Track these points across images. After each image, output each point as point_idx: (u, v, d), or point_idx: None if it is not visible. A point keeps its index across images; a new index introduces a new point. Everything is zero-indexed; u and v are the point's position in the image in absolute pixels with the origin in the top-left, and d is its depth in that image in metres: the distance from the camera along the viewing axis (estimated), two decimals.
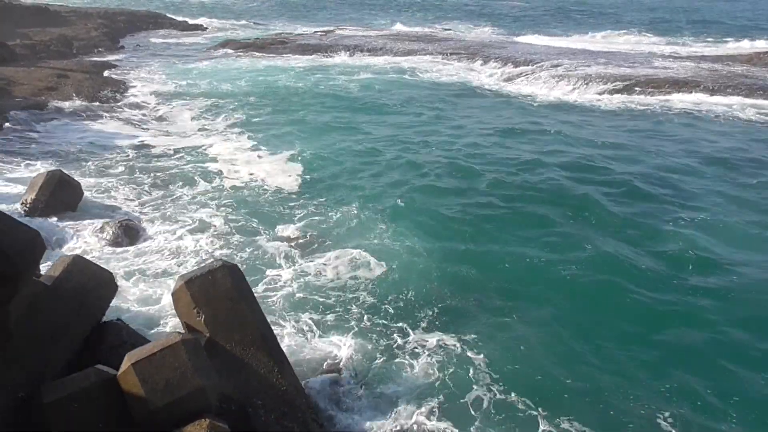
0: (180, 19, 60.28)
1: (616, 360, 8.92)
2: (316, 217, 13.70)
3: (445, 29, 55.94)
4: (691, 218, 13.80)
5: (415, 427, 7.66)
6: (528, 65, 33.47)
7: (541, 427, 7.64)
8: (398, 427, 7.63)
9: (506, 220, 13.65)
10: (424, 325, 9.66)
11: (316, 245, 12.29)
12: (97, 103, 22.73)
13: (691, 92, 27.37)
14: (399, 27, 58.90)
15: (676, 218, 13.77)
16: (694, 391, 8.28)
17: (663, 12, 79.65)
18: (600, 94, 27.80)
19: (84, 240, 11.80)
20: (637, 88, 28.07)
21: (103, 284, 7.32)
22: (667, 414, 7.87)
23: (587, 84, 29.01)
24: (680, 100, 26.65)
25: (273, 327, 7.88)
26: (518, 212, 14.11)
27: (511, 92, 28.71)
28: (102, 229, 11.94)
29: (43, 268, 8.38)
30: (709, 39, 49.91)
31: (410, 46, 41.95)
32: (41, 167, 15.44)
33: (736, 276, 11.27)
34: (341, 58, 38.03)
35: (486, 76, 32.52)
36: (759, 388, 8.40)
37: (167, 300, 9.42)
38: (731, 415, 7.89)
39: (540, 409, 7.88)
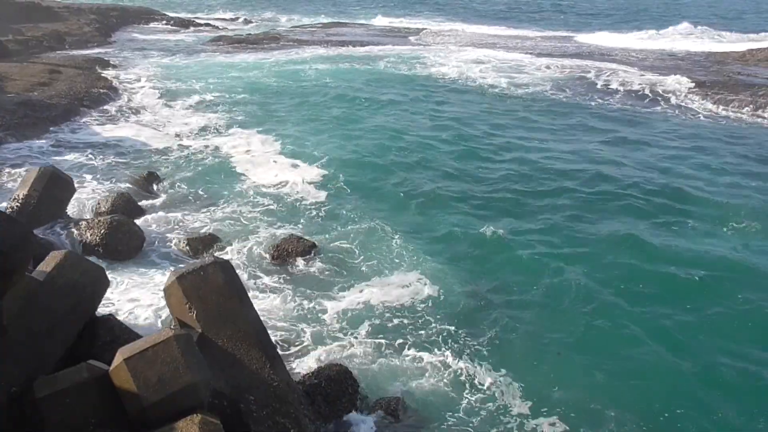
0: (173, 14, 60.09)
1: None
2: (325, 224, 13.60)
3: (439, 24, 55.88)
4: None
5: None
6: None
7: None
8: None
9: (531, 229, 13.50)
10: (434, 340, 9.53)
11: (326, 252, 12.21)
12: (89, 99, 22.63)
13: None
14: (398, 22, 58.84)
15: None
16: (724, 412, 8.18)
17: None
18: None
19: (78, 236, 11.76)
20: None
21: (95, 279, 7.31)
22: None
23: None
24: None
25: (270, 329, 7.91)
26: (543, 219, 14.00)
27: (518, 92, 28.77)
28: (95, 226, 11.90)
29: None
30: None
31: (402, 41, 41.96)
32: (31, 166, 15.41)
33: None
34: (336, 53, 37.94)
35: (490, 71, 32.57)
36: None
37: (159, 295, 9.43)
38: None
39: None
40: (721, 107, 25.30)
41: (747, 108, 24.85)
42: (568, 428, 7.80)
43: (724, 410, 8.13)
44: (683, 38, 46.91)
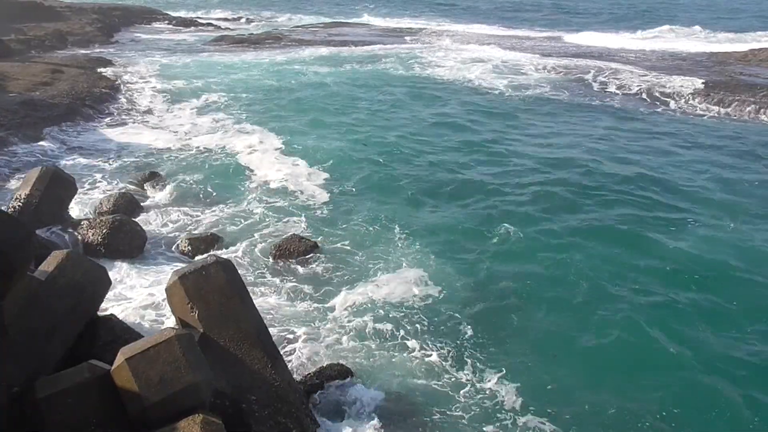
0: (175, 14, 60.13)
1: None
2: (328, 223, 13.55)
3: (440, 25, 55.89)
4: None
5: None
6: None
7: None
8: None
9: (531, 229, 13.41)
10: (434, 338, 9.51)
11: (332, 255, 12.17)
12: (91, 99, 22.63)
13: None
14: (396, 23, 58.83)
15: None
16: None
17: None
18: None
19: (80, 236, 11.77)
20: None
21: (97, 279, 7.32)
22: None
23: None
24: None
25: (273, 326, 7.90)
26: (545, 219, 13.95)
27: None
28: (96, 225, 11.91)
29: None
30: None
31: (403, 41, 41.92)
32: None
33: None
34: (338, 52, 37.92)
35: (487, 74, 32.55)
36: None
37: (161, 295, 9.44)
38: None
39: None
40: (723, 108, 25.25)
41: (749, 108, 24.81)
42: (563, 428, 7.79)
43: (722, 410, 8.12)
44: (685, 38, 46.87)
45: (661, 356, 9.18)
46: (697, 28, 50.80)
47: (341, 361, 8.72)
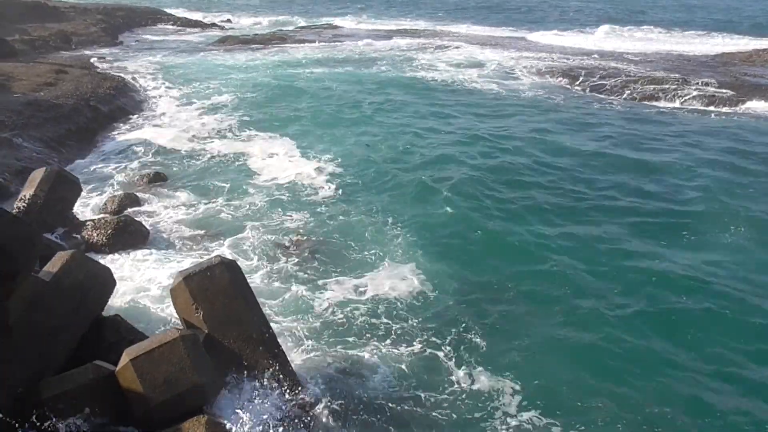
0: (180, 15, 60.26)
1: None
2: (329, 221, 13.54)
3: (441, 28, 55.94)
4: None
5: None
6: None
7: None
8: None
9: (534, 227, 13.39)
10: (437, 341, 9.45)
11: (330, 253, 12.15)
12: (96, 100, 22.66)
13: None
14: (394, 24, 58.94)
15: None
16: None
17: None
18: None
19: (85, 236, 11.78)
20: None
21: (102, 280, 7.33)
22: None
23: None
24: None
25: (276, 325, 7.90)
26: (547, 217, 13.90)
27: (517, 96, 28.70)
28: (101, 226, 11.92)
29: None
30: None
31: (404, 42, 41.92)
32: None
33: None
34: (340, 53, 37.96)
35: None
36: None
37: (165, 295, 9.45)
38: None
39: None
40: (727, 108, 25.19)
41: (755, 109, 24.77)
42: (558, 426, 7.77)
43: (715, 411, 8.09)
44: (687, 39, 46.82)
45: (656, 356, 9.14)
46: (695, 29, 50.84)
47: (339, 357, 8.74)
